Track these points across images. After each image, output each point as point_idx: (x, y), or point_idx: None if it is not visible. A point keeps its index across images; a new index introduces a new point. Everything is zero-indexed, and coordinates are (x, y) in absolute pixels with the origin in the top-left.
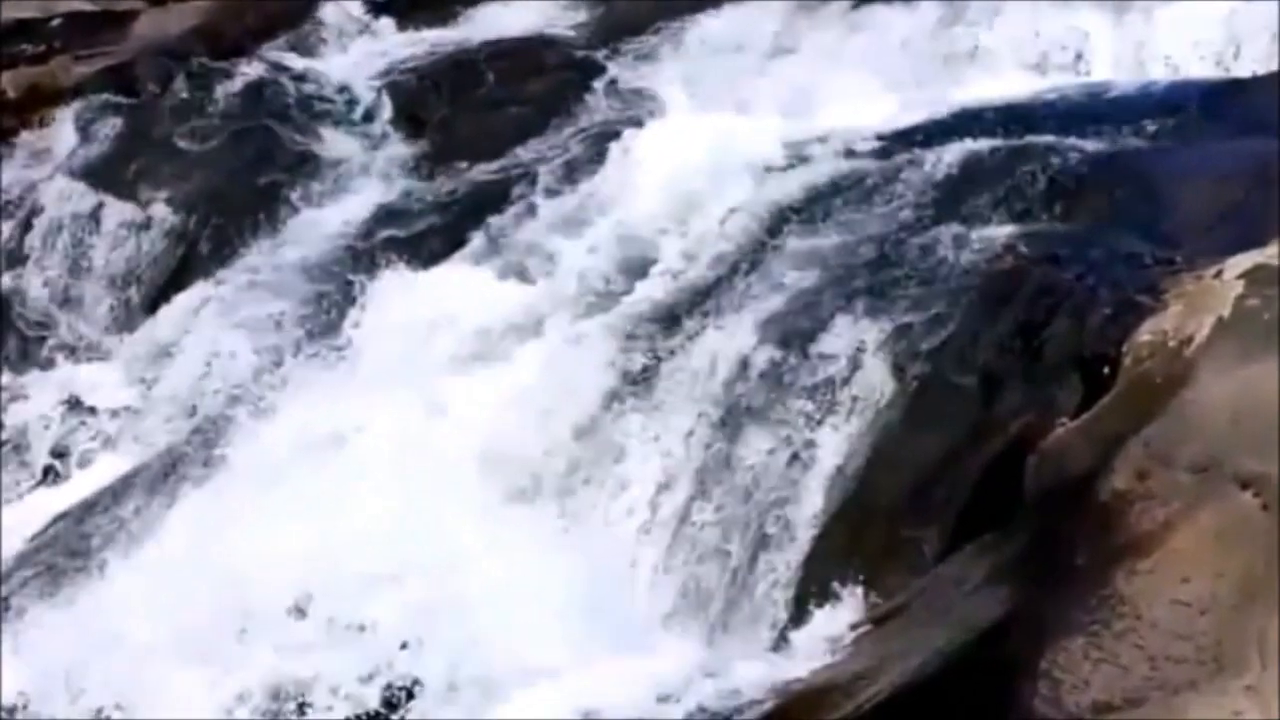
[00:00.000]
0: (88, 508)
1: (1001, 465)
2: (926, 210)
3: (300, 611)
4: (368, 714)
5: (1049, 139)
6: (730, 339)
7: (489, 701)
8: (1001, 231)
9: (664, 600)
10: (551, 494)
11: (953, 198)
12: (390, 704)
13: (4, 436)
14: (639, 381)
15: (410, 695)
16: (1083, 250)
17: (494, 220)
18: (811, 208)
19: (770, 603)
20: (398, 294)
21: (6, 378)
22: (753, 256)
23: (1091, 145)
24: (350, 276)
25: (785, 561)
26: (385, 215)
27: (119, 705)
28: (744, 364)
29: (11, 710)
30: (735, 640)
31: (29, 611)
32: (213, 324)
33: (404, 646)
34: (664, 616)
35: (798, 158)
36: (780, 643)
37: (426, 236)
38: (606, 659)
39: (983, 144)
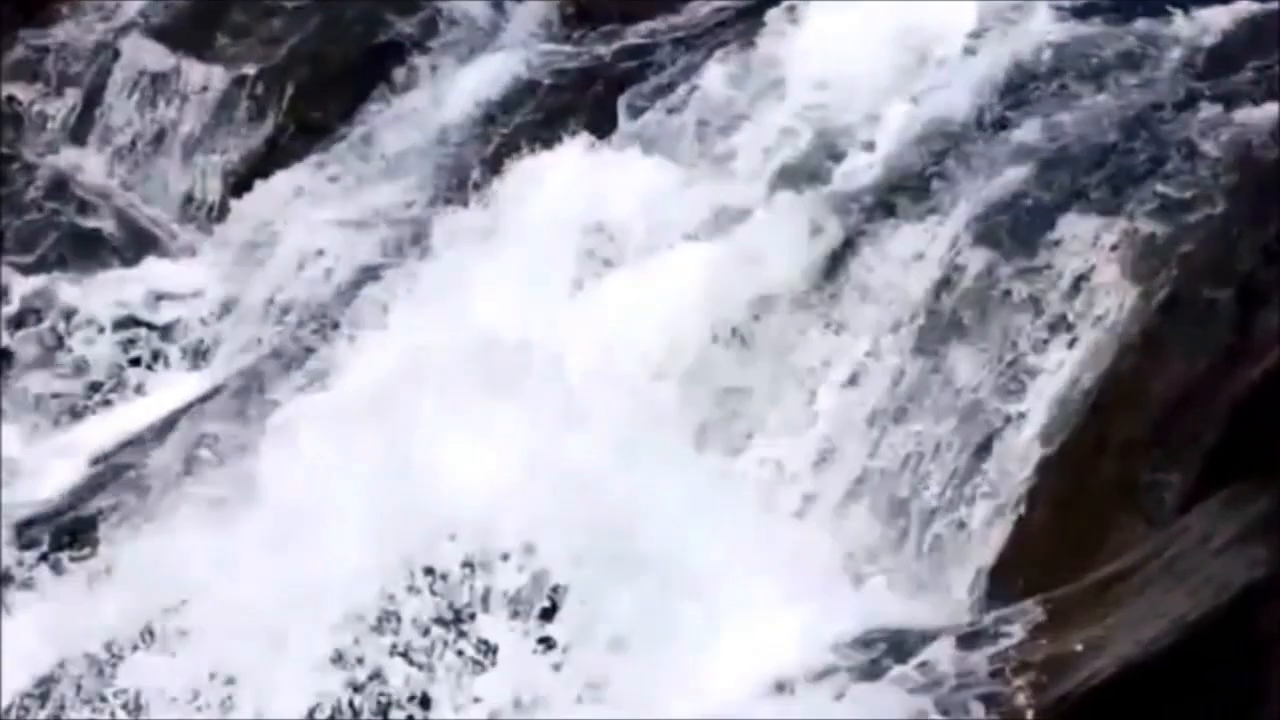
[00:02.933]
0: (164, 428)
1: (1260, 399)
2: (1173, 86)
3: (449, 539)
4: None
5: None
6: (935, 239)
7: (661, 647)
8: (1268, 113)
9: (844, 543)
10: (719, 413)
11: (1207, 71)
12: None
13: (70, 344)
14: (825, 287)
15: (581, 635)
16: None
17: (646, 95)
18: (1030, 85)
19: (971, 554)
20: (534, 182)
21: (69, 280)
22: (960, 142)
23: None
24: (476, 161)
25: (993, 505)
26: (519, 87)
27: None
28: (951, 269)
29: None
30: (928, 595)
31: (108, 544)
32: (310, 214)
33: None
34: (845, 562)
35: (1011, 23)
36: (980, 601)
37: (568, 113)
38: (782, 608)
39: (1245, 3)
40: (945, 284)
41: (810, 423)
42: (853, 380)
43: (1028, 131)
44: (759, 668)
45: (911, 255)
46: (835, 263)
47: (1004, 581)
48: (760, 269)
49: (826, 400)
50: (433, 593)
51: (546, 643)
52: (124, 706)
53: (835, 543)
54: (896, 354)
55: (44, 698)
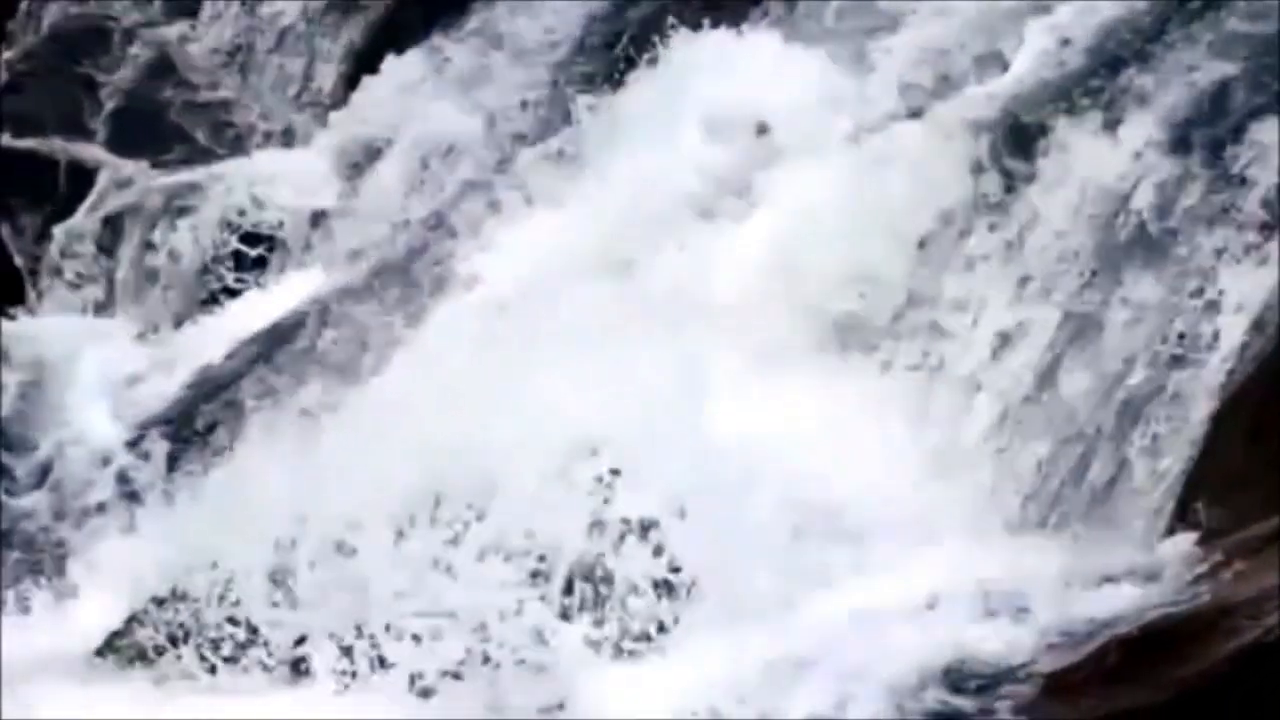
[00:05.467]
0: (278, 334)
1: None
2: None
3: (588, 454)
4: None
5: None
6: (1113, 146)
7: (804, 567)
8: None
9: (1009, 479)
10: (879, 329)
11: None
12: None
13: (175, 239)
14: (990, 198)
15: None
16: None
17: None
18: None
19: (1146, 492)
20: (676, 69)
21: (173, 171)
22: (1142, 38)
23: None
24: (610, 47)
25: (1174, 442)
26: None
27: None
28: (1130, 180)
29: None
30: (1097, 535)
31: (217, 454)
32: (432, 103)
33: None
34: (1007, 497)
35: None
36: (1156, 541)
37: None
38: (941, 541)
39: None
40: (1127, 198)
41: (977, 346)
42: (1023, 299)
43: (1219, 25)
44: (908, 590)
45: (1088, 166)
46: (1005, 177)
47: (1189, 517)
48: (926, 182)
49: (994, 322)
50: (568, 507)
51: (675, 569)
52: (231, 620)
53: (999, 472)
54: (1072, 273)
55: (158, 613)
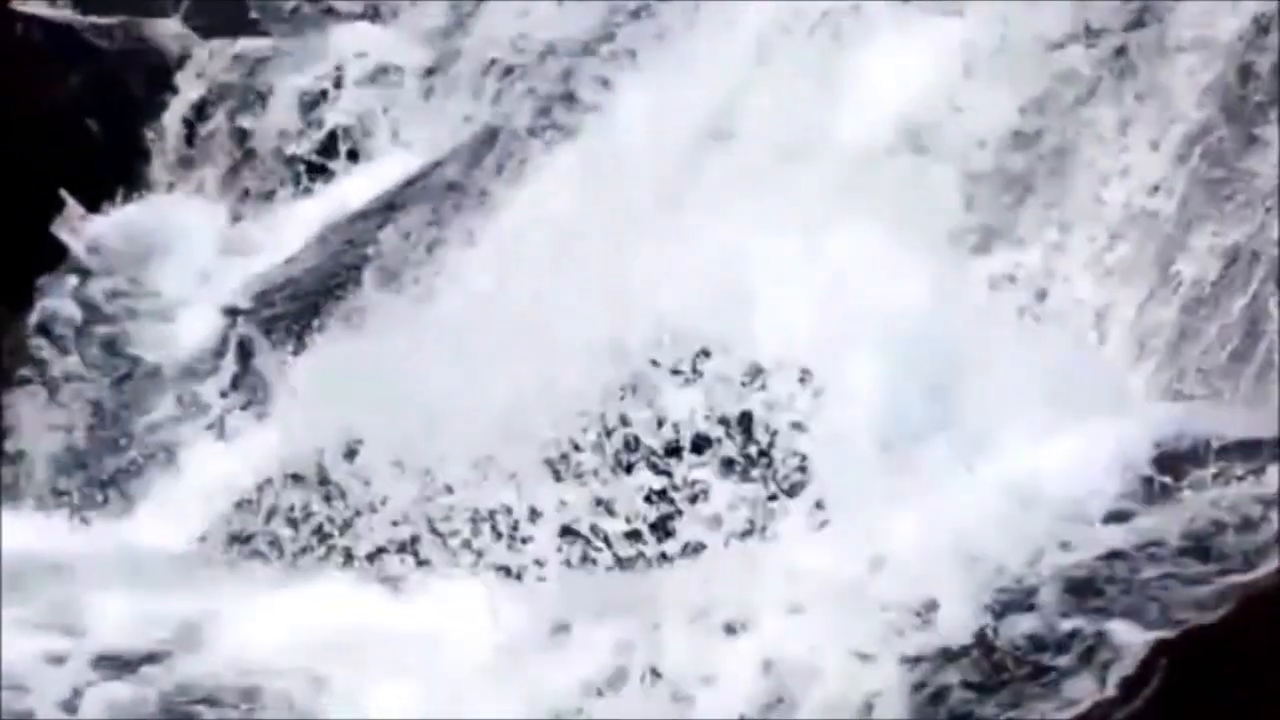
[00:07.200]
0: (362, 217)
1: None
2: None
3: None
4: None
5: None
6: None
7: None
8: None
9: (1137, 362)
10: (997, 203)
11: None
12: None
13: (260, 124)
14: (1107, 60)
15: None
16: None
17: None
18: None
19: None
20: None
21: (253, 49)
22: None
23: None
24: None
25: None
26: None
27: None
28: (1259, 26)
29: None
30: (1228, 415)
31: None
32: None
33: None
34: (1138, 383)
35: None
36: None
37: None
38: (1067, 429)
39: None
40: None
41: (1101, 220)
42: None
43: None
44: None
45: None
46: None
47: None
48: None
49: (1119, 193)
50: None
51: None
52: (330, 520)
53: (1128, 349)
54: (1199, 139)
55: (251, 510)
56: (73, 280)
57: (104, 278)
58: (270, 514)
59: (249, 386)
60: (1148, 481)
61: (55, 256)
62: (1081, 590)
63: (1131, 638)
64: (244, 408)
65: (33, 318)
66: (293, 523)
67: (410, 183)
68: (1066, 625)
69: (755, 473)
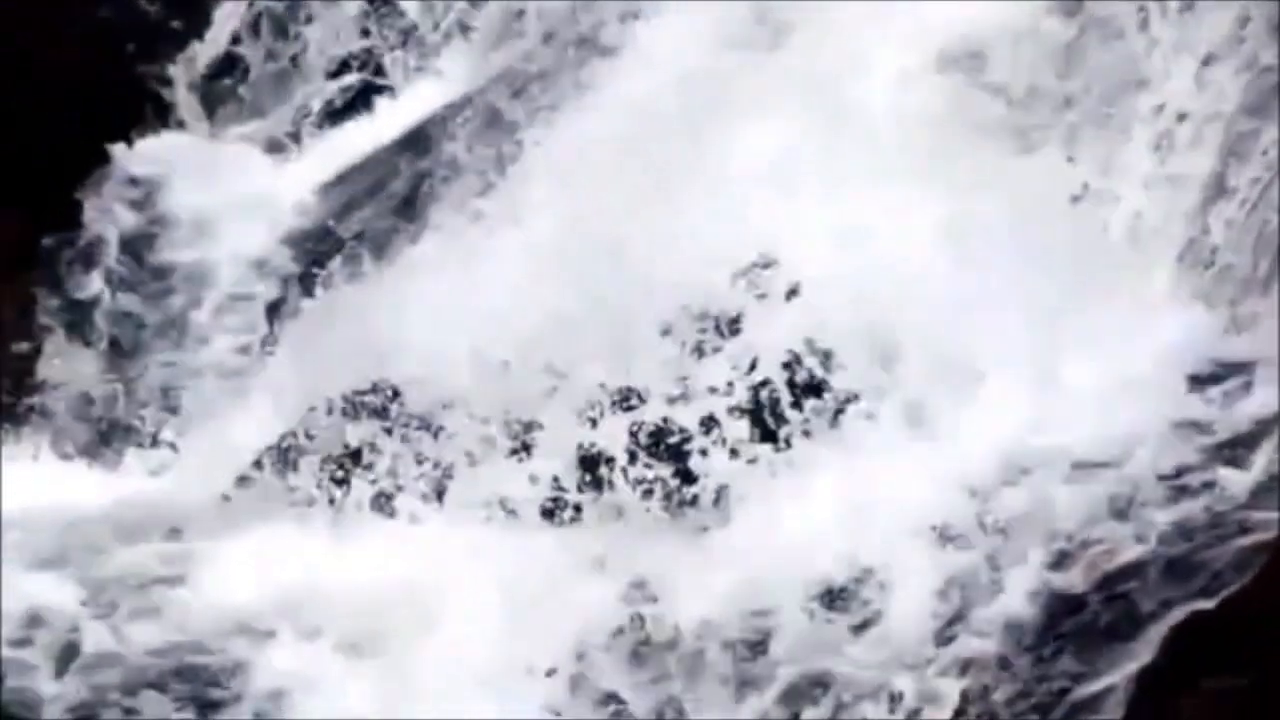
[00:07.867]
0: (406, 146)
1: None
2: None
3: (729, 278)
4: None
5: None
6: None
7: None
8: None
9: (1174, 283)
10: (1038, 123)
11: None
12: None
13: (305, 49)
14: None
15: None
16: None
17: None
18: None
19: None
20: None
21: None
22: None
23: None
24: None
25: None
26: None
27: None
28: None
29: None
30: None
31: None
32: None
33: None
34: (1174, 302)
35: None
36: None
37: None
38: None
39: None
40: None
41: (1138, 138)
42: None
43: None
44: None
45: None
46: None
47: None
48: None
49: (1158, 116)
50: (711, 332)
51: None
52: (371, 449)
53: (1169, 269)
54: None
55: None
56: (116, 206)
57: (138, 210)
58: (304, 448)
59: (280, 320)
60: None
61: (95, 182)
62: None
63: None
64: (269, 347)
65: (78, 241)
66: (328, 464)
67: (448, 113)
68: None
69: None
